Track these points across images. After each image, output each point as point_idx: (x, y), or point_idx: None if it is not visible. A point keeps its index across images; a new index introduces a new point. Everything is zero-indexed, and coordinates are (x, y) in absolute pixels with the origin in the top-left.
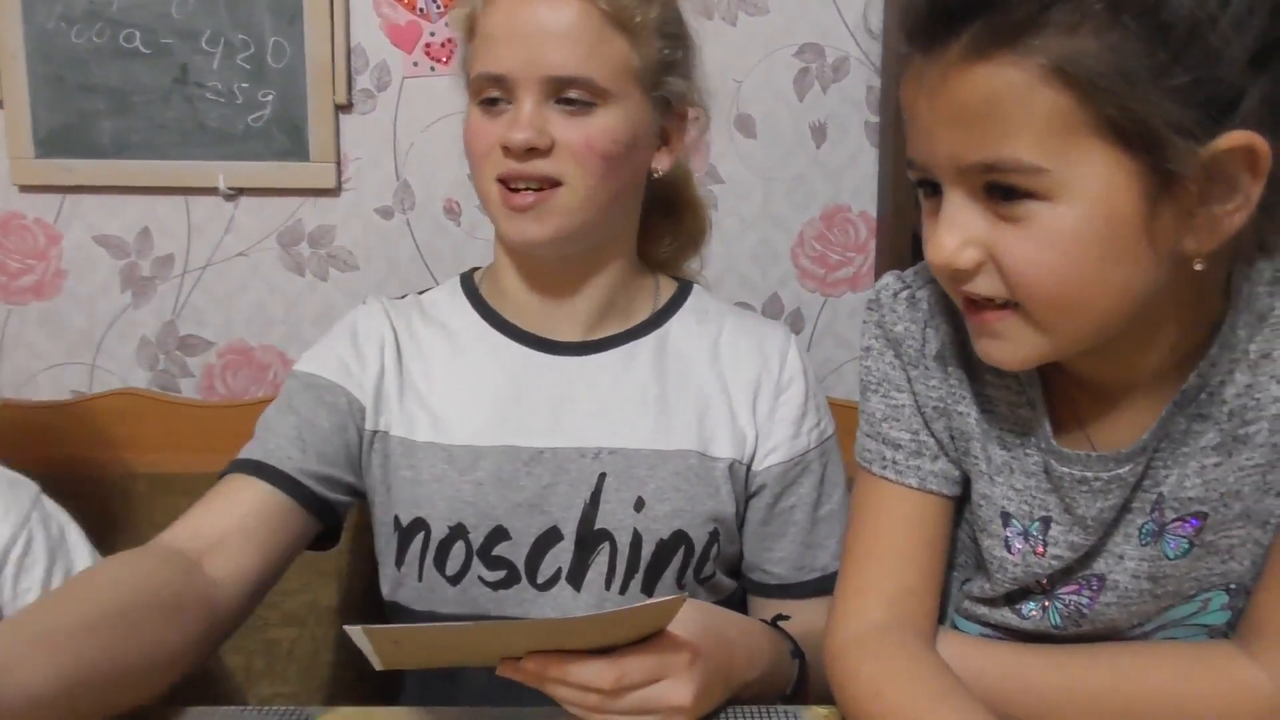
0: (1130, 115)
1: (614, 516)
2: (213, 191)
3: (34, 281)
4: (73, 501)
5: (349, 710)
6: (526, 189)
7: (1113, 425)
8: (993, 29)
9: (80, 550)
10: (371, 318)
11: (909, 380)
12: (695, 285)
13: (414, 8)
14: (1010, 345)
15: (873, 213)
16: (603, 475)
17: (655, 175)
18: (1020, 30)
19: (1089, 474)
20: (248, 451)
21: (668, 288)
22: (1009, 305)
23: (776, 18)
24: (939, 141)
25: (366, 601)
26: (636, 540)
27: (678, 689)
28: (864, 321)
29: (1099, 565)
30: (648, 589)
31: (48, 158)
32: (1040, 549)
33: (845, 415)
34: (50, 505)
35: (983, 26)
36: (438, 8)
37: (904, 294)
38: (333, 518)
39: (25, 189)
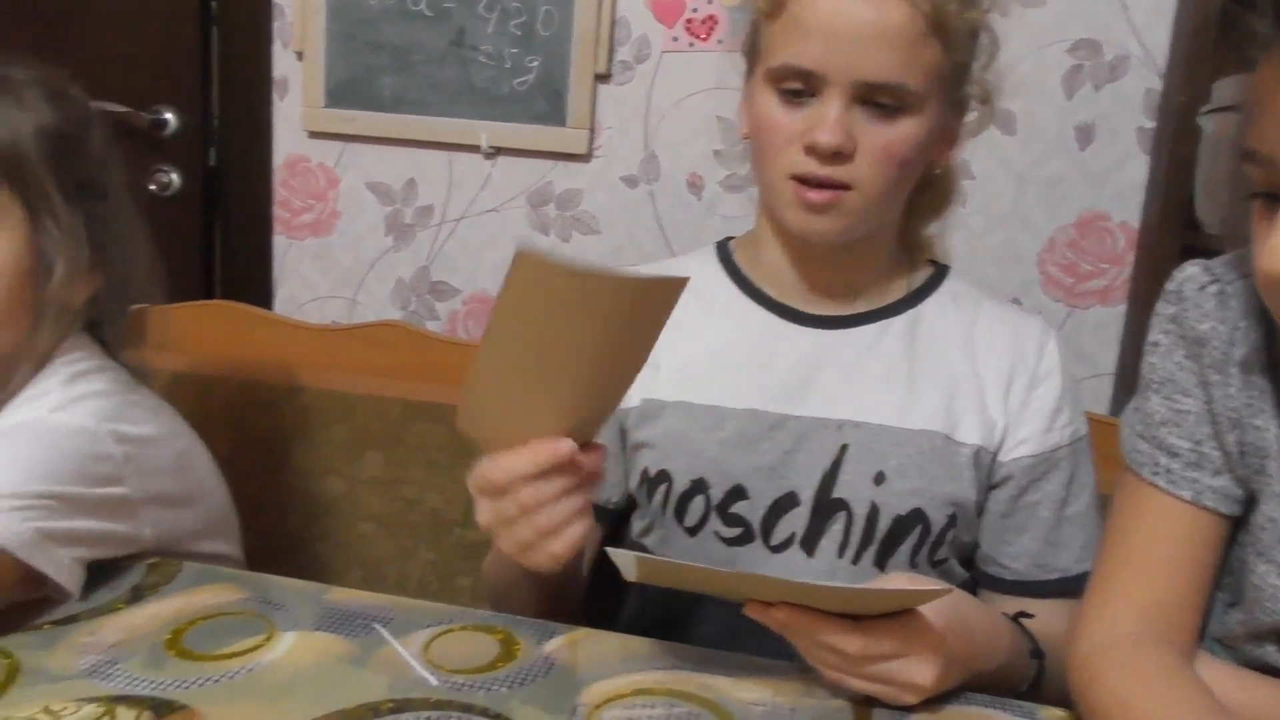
0: None
1: (853, 488)
2: (474, 149)
3: (312, 219)
4: (331, 417)
5: (582, 631)
6: (821, 187)
7: None
8: None
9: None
10: None
11: (1205, 385)
12: (952, 269)
13: None
14: None
15: (1135, 224)
16: (844, 447)
17: (935, 172)
18: None
19: None
20: None
21: (924, 269)
22: None
23: (1051, 10)
24: None
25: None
26: (873, 513)
27: (920, 669)
28: (1155, 314)
29: None
30: (880, 563)
31: (334, 107)
32: None
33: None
34: (182, 423)
35: None
36: None
37: (1212, 288)
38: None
39: (313, 135)
